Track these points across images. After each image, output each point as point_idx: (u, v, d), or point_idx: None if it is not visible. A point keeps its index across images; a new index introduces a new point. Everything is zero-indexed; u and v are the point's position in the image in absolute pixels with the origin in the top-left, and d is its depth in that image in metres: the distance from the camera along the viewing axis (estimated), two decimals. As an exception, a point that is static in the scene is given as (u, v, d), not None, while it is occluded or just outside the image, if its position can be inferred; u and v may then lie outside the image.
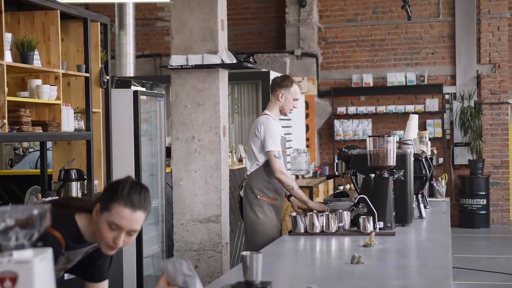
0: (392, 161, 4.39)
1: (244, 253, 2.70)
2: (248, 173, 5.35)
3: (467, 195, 12.35)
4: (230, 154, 8.08)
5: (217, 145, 6.00)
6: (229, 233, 5.99)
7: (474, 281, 8.21)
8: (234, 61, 5.98)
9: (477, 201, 12.30)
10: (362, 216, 4.25)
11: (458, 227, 12.26)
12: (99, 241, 2.66)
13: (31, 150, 9.04)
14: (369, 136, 4.46)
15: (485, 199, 12.32)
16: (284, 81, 5.39)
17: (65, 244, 2.65)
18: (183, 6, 5.99)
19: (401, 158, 4.55)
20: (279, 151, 5.18)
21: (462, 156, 12.64)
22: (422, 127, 12.40)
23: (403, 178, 4.53)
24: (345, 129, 13.01)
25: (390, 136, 4.42)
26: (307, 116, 12.45)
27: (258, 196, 5.26)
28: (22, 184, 6.37)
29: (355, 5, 13.12)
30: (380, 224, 4.28)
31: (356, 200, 4.42)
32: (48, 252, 1.77)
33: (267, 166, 5.25)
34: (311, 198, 9.13)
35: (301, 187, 9.35)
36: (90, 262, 2.85)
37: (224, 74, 6.16)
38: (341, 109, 13.00)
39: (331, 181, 11.20)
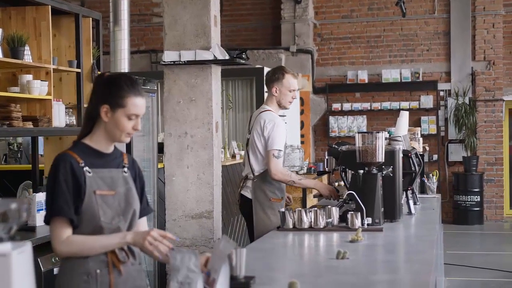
0: (380, 157, 4.41)
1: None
2: (255, 174, 5.20)
3: (461, 191, 12.39)
4: (223, 150, 8.10)
5: (210, 141, 6.01)
6: (221, 229, 6.01)
7: (466, 277, 8.24)
8: (227, 57, 5.99)
9: (471, 198, 12.33)
10: (350, 212, 4.26)
11: (452, 224, 12.30)
12: (118, 135, 2.87)
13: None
14: (358, 132, 4.47)
15: (479, 196, 12.36)
16: (275, 74, 5.27)
17: (80, 159, 2.82)
18: (176, 2, 6.01)
19: (390, 155, 4.56)
20: (280, 151, 5.07)
21: (457, 153, 12.67)
22: (417, 123, 12.43)
23: (391, 175, 4.54)
24: (340, 126, 13.03)
25: (379, 132, 4.43)
26: (302, 112, 12.48)
27: (271, 199, 5.16)
28: (15, 179, 6.39)
29: (350, 1, 13.13)
30: (369, 220, 4.30)
31: (344, 196, 4.44)
32: (27, 246, 1.79)
33: None
34: (304, 194, 9.13)
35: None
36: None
37: (216, 70, 6.17)
38: (336, 106, 13.02)
39: (325, 177, 11.23)
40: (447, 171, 12.77)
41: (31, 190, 5.50)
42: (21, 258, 1.75)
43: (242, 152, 8.36)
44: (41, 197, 4.84)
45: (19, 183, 6.03)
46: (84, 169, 2.84)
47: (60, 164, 2.82)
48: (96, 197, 2.82)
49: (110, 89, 2.87)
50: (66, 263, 2.88)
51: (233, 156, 8.01)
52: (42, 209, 4.80)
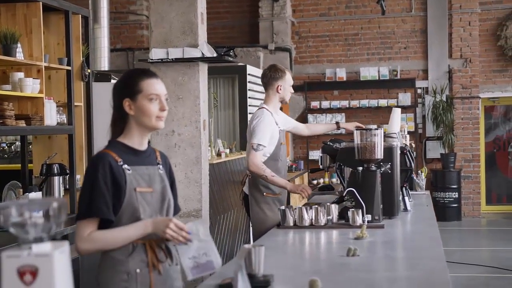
0: (379, 154, 4.40)
1: (247, 246, 2.69)
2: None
3: (439, 188, 12.48)
4: (209, 148, 8.06)
5: (197, 139, 5.98)
6: (209, 228, 5.98)
7: (451, 273, 8.28)
8: (215, 54, 5.95)
9: (449, 194, 12.44)
10: (351, 209, 4.25)
11: (430, 220, 12.38)
12: (148, 122, 2.86)
13: (3, 145, 8.90)
14: (357, 129, 4.46)
15: (456, 193, 12.47)
16: (278, 73, 5.39)
17: (118, 157, 2.82)
18: (162, -1, 5.95)
19: (388, 151, 4.56)
20: (259, 144, 5.12)
21: (434, 150, 12.77)
22: (396, 121, 12.47)
23: (390, 171, 4.54)
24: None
25: (377, 129, 4.43)
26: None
27: (264, 193, 5.22)
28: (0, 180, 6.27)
29: (328, -1, 13.17)
30: (368, 217, 4.29)
31: (344, 193, 4.42)
32: (66, 246, 1.75)
33: (270, 162, 5.18)
34: (288, 192, 9.08)
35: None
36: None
37: (204, 68, 6.14)
38: (314, 104, 13.04)
39: (306, 175, 11.24)
40: (425, 168, 12.84)
41: (20, 190, 5.39)
42: (61, 258, 1.71)
43: (228, 150, 8.34)
44: (34, 197, 4.76)
45: (4, 184, 5.91)
46: (123, 166, 2.83)
47: (99, 164, 2.79)
48: (136, 194, 2.81)
49: (125, 84, 2.90)
50: (106, 261, 2.85)
51: (219, 155, 7.97)
52: (35, 209, 4.71)
